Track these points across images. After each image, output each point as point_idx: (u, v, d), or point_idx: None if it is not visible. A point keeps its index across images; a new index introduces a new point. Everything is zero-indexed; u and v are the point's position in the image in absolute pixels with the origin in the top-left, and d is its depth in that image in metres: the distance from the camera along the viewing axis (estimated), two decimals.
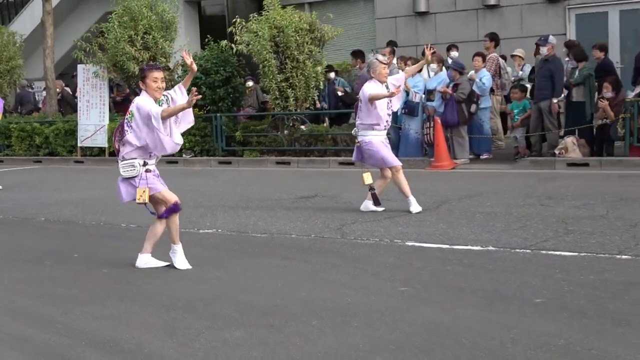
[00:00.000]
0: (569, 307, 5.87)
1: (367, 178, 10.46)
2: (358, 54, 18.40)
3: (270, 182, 14.67)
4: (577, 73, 14.85)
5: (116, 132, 7.87)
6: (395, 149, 17.17)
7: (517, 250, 7.89)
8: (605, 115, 14.49)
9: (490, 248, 8.05)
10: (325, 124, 18.84)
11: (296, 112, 18.19)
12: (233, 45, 18.30)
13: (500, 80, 16.70)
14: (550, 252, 7.70)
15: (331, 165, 17.16)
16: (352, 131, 11.00)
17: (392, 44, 17.73)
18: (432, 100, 16.10)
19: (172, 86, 8.22)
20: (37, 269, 8.23)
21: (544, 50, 15.22)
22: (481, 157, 16.05)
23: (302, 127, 18.31)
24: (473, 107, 15.50)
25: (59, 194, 14.32)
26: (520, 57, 16.76)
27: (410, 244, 8.50)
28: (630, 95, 15.05)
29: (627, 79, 16.26)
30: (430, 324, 5.66)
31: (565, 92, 15.07)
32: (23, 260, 8.70)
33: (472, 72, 15.93)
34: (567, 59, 15.44)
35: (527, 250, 7.83)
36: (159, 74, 7.61)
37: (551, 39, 15.54)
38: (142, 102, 7.54)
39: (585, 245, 7.91)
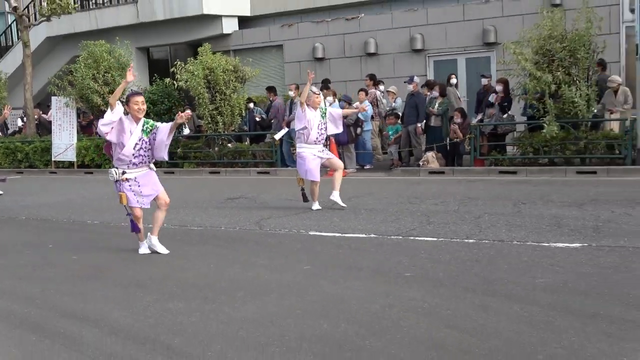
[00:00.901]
0: (431, 278, 5.97)
1: (300, 181, 10.42)
2: (271, 89, 18.46)
3: (205, 188, 14.52)
4: (436, 104, 15.15)
5: (108, 145, 7.64)
6: None
7: (392, 237, 7.98)
8: (456, 135, 14.83)
9: (372, 235, 8.13)
10: (246, 143, 18.90)
11: (224, 133, 18.15)
12: (174, 82, 18.21)
13: (378, 110, 16.91)
14: (416, 238, 7.81)
15: (251, 174, 17.10)
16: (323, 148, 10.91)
17: (326, 81, 17.87)
18: None
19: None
20: (19, 256, 7.96)
21: (410, 87, 15.49)
22: (365, 167, 16.21)
23: (229, 145, 18.32)
24: (358, 130, 15.70)
25: (37, 198, 13.89)
26: (393, 92, 16.98)
27: (312, 233, 8.52)
28: (474, 121, 15.44)
29: (472, 109, 16.69)
30: (328, 293, 5.68)
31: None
32: (8, 250, 8.40)
33: (357, 103, 16.09)
34: (427, 93, 15.72)
35: (399, 237, 7.93)
36: (139, 98, 7.38)
37: (415, 78, 15.83)
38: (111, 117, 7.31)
39: (442, 232, 8.06)
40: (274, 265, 6.85)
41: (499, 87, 14.95)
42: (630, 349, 4.08)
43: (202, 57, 17.91)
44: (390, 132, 16.04)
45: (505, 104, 14.85)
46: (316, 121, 10.17)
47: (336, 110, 10.79)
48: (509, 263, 6.37)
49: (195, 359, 4.35)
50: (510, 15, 18.10)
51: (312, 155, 10.22)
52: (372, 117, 16.53)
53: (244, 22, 23.03)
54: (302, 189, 10.40)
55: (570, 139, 13.81)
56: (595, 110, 14.10)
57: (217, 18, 22.52)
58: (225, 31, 22.65)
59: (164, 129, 7.48)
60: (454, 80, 16.51)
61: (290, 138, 17.29)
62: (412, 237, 7.86)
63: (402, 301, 5.31)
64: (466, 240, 7.51)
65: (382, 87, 17.51)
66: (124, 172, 7.43)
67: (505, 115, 14.86)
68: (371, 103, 16.40)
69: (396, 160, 15.90)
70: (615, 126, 14.09)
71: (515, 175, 13.72)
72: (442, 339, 4.43)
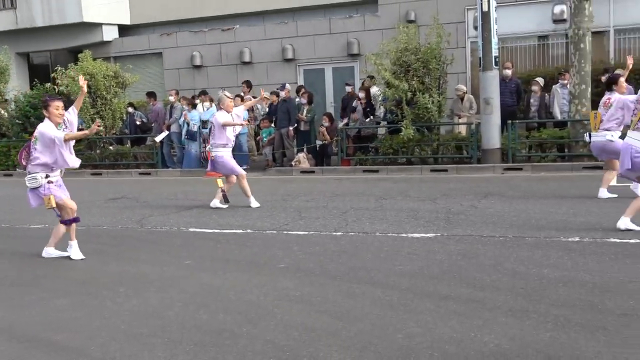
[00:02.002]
0: (302, 269, 6.02)
1: (220, 182, 10.16)
2: (152, 94, 18.03)
3: (87, 189, 13.93)
4: (305, 110, 15.30)
5: (22, 152, 7.04)
6: (180, 162, 16.96)
7: (267, 231, 7.99)
8: (325, 138, 15.04)
9: (249, 231, 8.10)
10: (127, 145, 18.35)
11: (106, 136, 17.52)
12: (55, 87, 17.38)
13: (253, 114, 16.86)
14: (289, 232, 7.85)
15: (133, 175, 16.59)
16: (207, 148, 10.69)
17: (247, 82, 17.54)
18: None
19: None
20: None
21: (282, 94, 15.55)
22: (242, 168, 16.10)
23: (111, 147, 17.72)
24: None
25: None
26: (267, 98, 16.98)
27: (192, 230, 8.38)
28: (340, 124, 15.71)
29: (338, 113, 16.96)
30: (207, 285, 5.61)
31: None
32: None
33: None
34: (298, 99, 15.84)
35: (274, 231, 7.95)
36: (60, 103, 6.88)
37: (287, 86, 15.91)
38: (45, 128, 6.77)
39: (313, 226, 8.15)
40: (156, 261, 6.68)
41: (361, 94, 15.30)
42: (476, 326, 4.28)
43: (83, 63, 17.24)
44: (264, 135, 16.04)
45: (368, 109, 15.22)
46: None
47: (239, 108, 10.64)
48: (372, 252, 6.53)
49: (78, 353, 4.17)
50: (371, 30, 18.54)
51: (229, 155, 10.11)
52: (248, 121, 16.47)
53: (124, 30, 22.30)
54: (223, 191, 10.16)
55: (425, 140, 14.34)
56: (445, 115, 14.74)
57: (97, 26, 21.67)
58: (105, 38, 21.85)
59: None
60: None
61: (170, 140, 16.94)
62: (285, 232, 7.89)
63: (276, 290, 5.33)
64: (334, 233, 7.63)
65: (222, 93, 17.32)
66: (47, 176, 6.90)
67: (368, 120, 15.23)
68: (248, 109, 16.35)
69: (270, 161, 15.92)
70: (462, 129, 14.77)
71: (377, 174, 14.08)
72: (313, 324, 4.48)
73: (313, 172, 14.79)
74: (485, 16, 13.46)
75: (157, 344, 4.25)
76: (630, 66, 9.76)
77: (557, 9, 16.79)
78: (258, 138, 16.71)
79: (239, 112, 10.53)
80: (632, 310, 4.43)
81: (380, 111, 15.54)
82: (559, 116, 14.06)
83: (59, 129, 6.88)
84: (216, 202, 10.12)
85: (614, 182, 9.41)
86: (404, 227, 7.74)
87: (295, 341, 4.18)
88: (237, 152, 15.95)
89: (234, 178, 10.23)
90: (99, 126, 7.05)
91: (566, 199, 9.24)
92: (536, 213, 8.22)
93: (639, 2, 16.25)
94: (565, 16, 16.19)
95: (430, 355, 3.86)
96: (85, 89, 7.32)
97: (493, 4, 13.43)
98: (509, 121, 13.64)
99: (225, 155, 10.09)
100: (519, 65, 17.37)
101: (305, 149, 15.38)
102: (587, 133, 9.52)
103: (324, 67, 19.49)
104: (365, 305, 4.84)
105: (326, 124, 15.10)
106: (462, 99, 14.81)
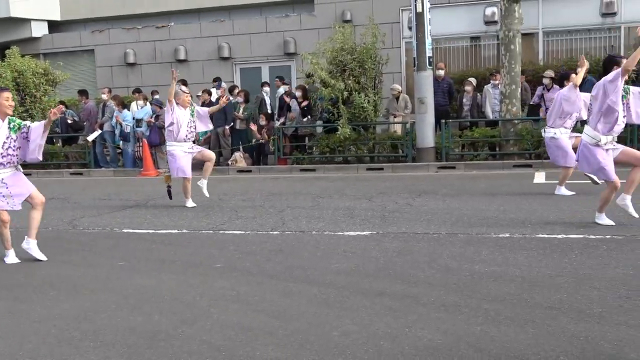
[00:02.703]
0: (239, 269, 5.99)
1: (168, 179, 9.96)
2: (83, 92, 17.59)
3: None
4: (241, 109, 15.22)
5: None
6: (114, 162, 16.63)
7: (203, 231, 7.92)
8: (261, 137, 15.01)
9: (185, 231, 8.01)
10: (59, 144, 17.86)
11: None
12: None
13: None
14: (226, 232, 7.81)
15: (64, 175, 16.19)
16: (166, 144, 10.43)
17: (182, 81, 17.19)
18: (141, 127, 15.75)
19: None
20: None
21: (218, 92, 15.43)
22: None
23: None
24: None
25: None
26: (230, 99, 16.80)
27: (125, 230, 8.23)
28: (277, 123, 15.69)
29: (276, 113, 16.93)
30: (141, 287, 5.52)
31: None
32: None
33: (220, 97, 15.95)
34: (235, 98, 15.75)
35: (210, 231, 7.89)
36: (9, 94, 6.51)
37: (223, 84, 15.81)
38: None
39: (249, 225, 8.12)
40: (88, 263, 6.53)
41: (298, 93, 15.33)
42: (411, 322, 4.35)
43: (10, 60, 16.69)
44: (200, 134, 15.88)
45: (305, 108, 15.26)
46: (186, 119, 9.83)
47: (202, 109, 10.40)
48: (308, 251, 6.55)
49: (7, 359, 4.04)
50: (308, 29, 18.61)
51: (182, 153, 9.87)
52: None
53: (54, 26, 21.71)
54: (169, 187, 9.96)
55: (361, 139, 14.48)
56: (381, 115, 14.93)
57: (25, 21, 21.03)
58: (34, 34, 21.22)
59: (37, 128, 6.61)
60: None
61: (103, 139, 16.58)
62: (221, 231, 7.84)
63: (212, 290, 5.29)
64: (271, 232, 7.62)
65: (156, 97, 17.06)
66: None
67: (305, 119, 15.26)
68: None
69: None
70: (398, 128, 14.98)
71: (314, 173, 14.14)
72: (250, 323, 4.47)
73: (250, 171, 14.74)
74: (419, 17, 13.69)
75: (90, 347, 4.16)
76: (585, 64, 9.79)
77: (489, 10, 17.24)
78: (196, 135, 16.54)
79: (203, 112, 10.24)
80: (559, 303, 4.59)
81: (317, 110, 15.61)
82: (490, 116, 14.43)
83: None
84: (203, 183, 9.98)
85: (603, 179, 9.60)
86: (340, 226, 7.80)
87: (232, 341, 4.16)
88: None
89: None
90: (61, 113, 6.74)
91: (497, 197, 9.49)
92: (468, 210, 8.42)
93: (567, 5, 16.86)
94: (496, 18, 16.63)
95: (365, 351, 3.90)
96: (52, 118, 6.59)
97: (427, 5, 13.68)
98: (443, 120, 13.91)
99: (175, 151, 9.87)
100: (452, 66, 17.75)
101: (241, 148, 15.31)
102: (544, 129, 9.85)
103: (261, 65, 19.47)
104: (301, 303, 4.85)
105: (263, 122, 15.08)
106: (397, 99, 15.02)
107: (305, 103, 15.24)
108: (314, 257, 6.28)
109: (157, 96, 16.98)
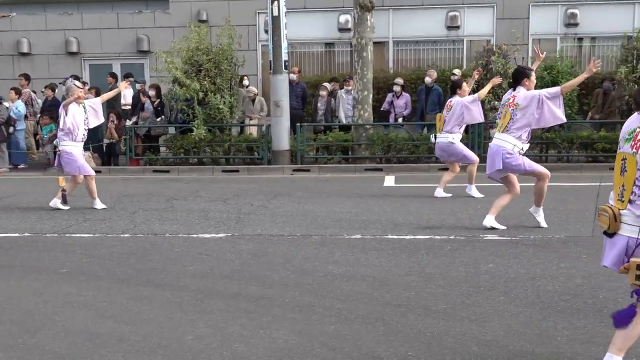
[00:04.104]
0: (87, 273, 5.73)
1: (62, 181, 9.15)
2: None
3: None
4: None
5: None
6: None
7: (47, 234, 7.49)
8: (112, 136, 14.47)
9: (27, 234, 7.53)
10: None
11: None
12: None
13: (32, 109, 15.74)
14: (72, 235, 7.44)
15: None
16: (54, 142, 9.59)
17: (25, 75, 15.85)
18: None
19: None
20: None
21: (62, 88, 14.69)
22: (19, 167, 14.96)
23: None
24: (11, 129, 14.49)
25: None
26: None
27: None
28: (129, 123, 15.16)
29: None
30: None
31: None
32: None
33: (9, 102, 14.89)
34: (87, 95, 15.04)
35: (55, 235, 7.48)
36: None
37: (69, 80, 15.03)
38: None
39: (99, 228, 7.79)
40: None
41: (152, 92, 14.93)
42: (266, 323, 4.36)
43: None
44: (44, 132, 15.02)
45: (159, 108, 14.89)
46: (82, 117, 9.21)
47: (94, 101, 9.63)
48: (161, 254, 6.39)
49: None
50: (162, 27, 18.16)
51: (79, 151, 9.29)
52: (26, 117, 15.35)
53: None
54: (64, 190, 9.16)
55: (216, 141, 14.34)
56: (237, 117, 14.88)
57: None
58: None
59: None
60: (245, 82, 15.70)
61: None
62: (68, 234, 7.46)
63: (57, 296, 5.01)
64: (122, 235, 7.36)
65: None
66: None
67: (159, 119, 14.89)
68: (25, 103, 15.25)
69: (52, 159, 14.92)
70: (254, 131, 14.99)
71: (168, 174, 13.82)
72: (98, 330, 4.28)
73: (100, 172, 14.12)
74: (276, 20, 13.79)
75: None
76: (477, 77, 10.17)
77: (342, 18, 17.71)
78: (38, 136, 15.62)
79: (95, 104, 9.59)
80: (408, 301, 4.79)
81: (173, 110, 15.26)
82: (343, 120, 14.80)
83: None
84: (56, 202, 9.27)
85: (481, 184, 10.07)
86: (194, 228, 7.67)
87: (79, 348, 3.96)
88: (14, 149, 14.85)
89: (80, 178, 9.37)
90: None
91: (350, 199, 9.75)
92: (322, 212, 8.58)
93: (415, 17, 17.69)
94: (349, 25, 17.09)
95: (220, 354, 3.86)
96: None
97: (283, 9, 13.80)
98: (298, 124, 14.10)
99: (73, 150, 9.27)
100: (307, 70, 18.05)
101: (91, 148, 14.65)
102: (433, 134, 10.15)
103: (112, 62, 18.75)
104: (153, 307, 4.72)
105: (115, 122, 14.53)
106: (253, 101, 15.03)
107: (157, 102, 14.87)
108: (168, 260, 6.13)
109: None
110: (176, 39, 15.00)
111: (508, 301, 4.76)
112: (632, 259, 3.20)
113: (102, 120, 10.15)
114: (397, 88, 14.72)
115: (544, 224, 7.33)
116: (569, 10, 17.27)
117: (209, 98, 14.03)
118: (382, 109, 15.02)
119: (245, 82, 15.22)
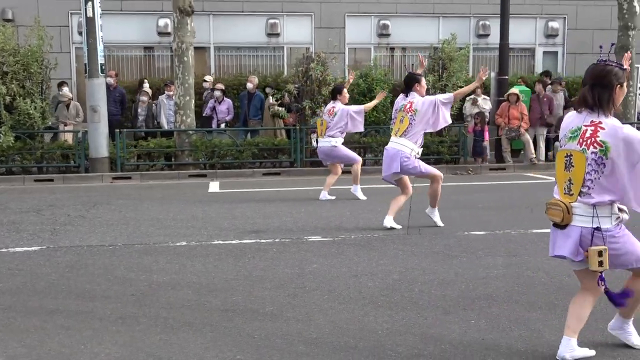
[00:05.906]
0: None
1: None
2: None
3: None
4: None
5: None
6: None
7: None
8: None
9: None
10: None
11: None
12: None
13: None
14: None
15: None
16: None
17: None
18: None
19: None
20: None
21: None
22: None
23: None
24: None
25: None
26: None
27: None
28: None
29: None
30: None
31: None
32: None
33: None
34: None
35: None
36: None
37: None
38: None
39: None
40: None
41: None
42: (87, 338, 4.15)
43: None
44: None
45: None
46: None
47: None
48: None
49: None
50: None
51: None
52: None
53: None
54: None
55: (27, 148, 13.45)
56: (50, 123, 14.06)
57: None
58: None
59: None
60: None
61: None
62: None
63: None
64: None
65: None
66: None
67: None
68: None
69: None
70: (69, 137, 14.23)
71: None
72: None
73: None
74: (90, 22, 13.21)
75: None
76: (351, 80, 10.79)
77: (162, 22, 17.37)
78: None
79: None
80: (234, 305, 4.79)
81: None
82: (165, 126, 14.52)
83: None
84: None
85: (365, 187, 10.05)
86: (4, 242, 7.12)
87: None
88: None
89: None
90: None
91: (173, 206, 9.57)
92: (145, 220, 8.34)
93: (236, 23, 17.79)
94: (169, 29, 16.79)
95: None
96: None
97: (98, 10, 13.25)
98: (117, 130, 13.60)
99: None
100: (126, 75, 17.49)
101: None
102: (315, 138, 10.12)
103: None
104: None
105: None
106: (67, 106, 14.28)
107: None
108: None
109: None
110: None
111: (332, 299, 4.92)
112: (591, 248, 3.44)
113: None
114: (218, 93, 14.69)
115: (440, 223, 7.72)
116: (381, 22, 18.25)
117: (18, 103, 13.13)
118: (204, 114, 14.91)
119: (65, 89, 14.42)
